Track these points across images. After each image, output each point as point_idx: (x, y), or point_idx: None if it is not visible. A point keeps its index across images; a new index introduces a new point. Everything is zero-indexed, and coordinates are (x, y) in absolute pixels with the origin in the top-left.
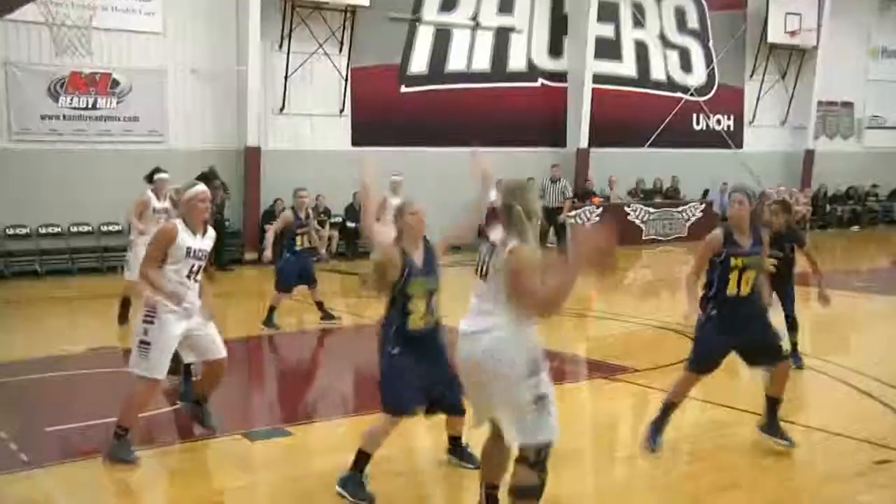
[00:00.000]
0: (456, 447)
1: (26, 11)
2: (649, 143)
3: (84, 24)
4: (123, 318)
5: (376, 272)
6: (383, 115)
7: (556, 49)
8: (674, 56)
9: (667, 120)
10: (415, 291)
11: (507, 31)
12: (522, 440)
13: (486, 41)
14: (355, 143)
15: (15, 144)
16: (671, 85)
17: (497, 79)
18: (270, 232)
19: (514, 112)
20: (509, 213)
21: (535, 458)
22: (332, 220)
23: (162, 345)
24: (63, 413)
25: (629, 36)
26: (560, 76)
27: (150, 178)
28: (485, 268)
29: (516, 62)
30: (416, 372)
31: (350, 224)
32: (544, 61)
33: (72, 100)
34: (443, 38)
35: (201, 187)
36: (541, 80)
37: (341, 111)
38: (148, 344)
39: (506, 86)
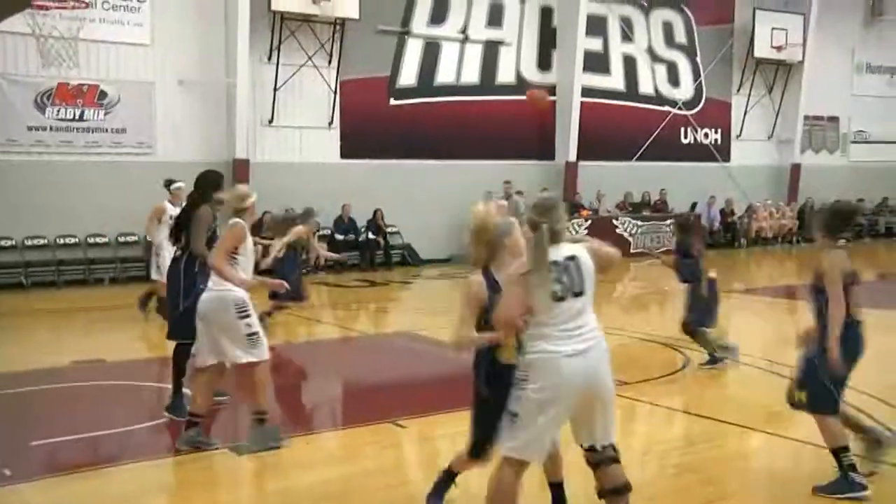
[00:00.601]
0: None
1: (13, 22)
2: (637, 156)
3: (71, 35)
4: (145, 305)
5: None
6: (372, 127)
7: (544, 62)
8: (662, 70)
9: (655, 133)
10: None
11: (496, 45)
12: (614, 438)
13: (475, 54)
14: (344, 155)
15: (1, 156)
16: (659, 99)
17: (486, 92)
18: (282, 242)
19: (503, 125)
20: (535, 230)
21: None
22: (321, 233)
23: (262, 329)
24: (49, 427)
25: (617, 50)
26: (549, 89)
27: (167, 186)
28: (578, 284)
29: (505, 75)
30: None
31: (338, 236)
32: (533, 74)
33: (59, 111)
34: (432, 51)
35: (255, 194)
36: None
37: (330, 123)
38: (256, 333)
39: (495, 99)
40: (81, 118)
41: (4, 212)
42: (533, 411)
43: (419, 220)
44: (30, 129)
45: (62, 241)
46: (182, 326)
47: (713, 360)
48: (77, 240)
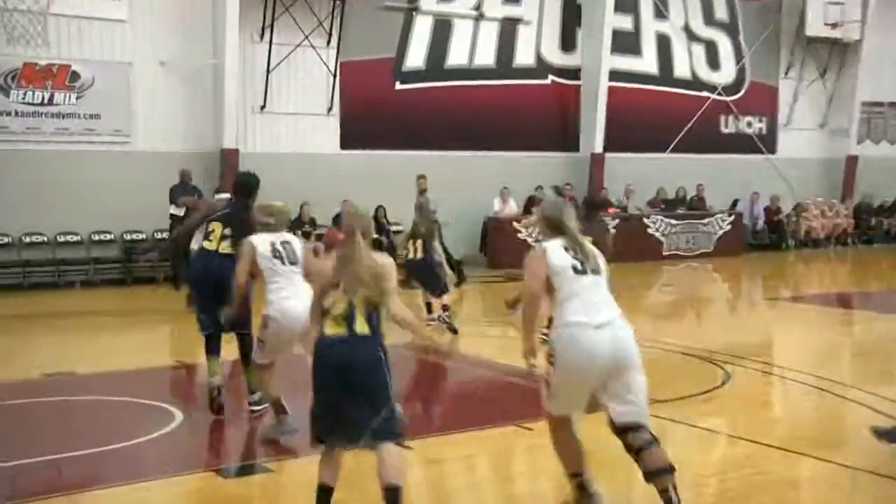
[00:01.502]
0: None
1: None
2: (671, 147)
3: (40, 9)
4: None
5: None
6: (375, 114)
7: (568, 43)
8: (700, 51)
9: (691, 122)
10: None
11: (514, 23)
12: (646, 418)
13: (490, 33)
14: (344, 145)
15: None
16: (697, 83)
17: (503, 75)
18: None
19: (522, 113)
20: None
21: None
22: (318, 232)
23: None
24: (14, 448)
25: (650, 28)
26: (573, 73)
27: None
28: (592, 264)
29: (524, 57)
30: None
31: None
32: (555, 56)
33: (25, 94)
34: (442, 29)
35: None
36: (551, 77)
37: (329, 110)
38: None
39: (512, 83)
40: (51, 102)
41: None
42: (564, 381)
43: None
44: None
45: (28, 240)
46: (249, 319)
47: None
48: (45, 238)
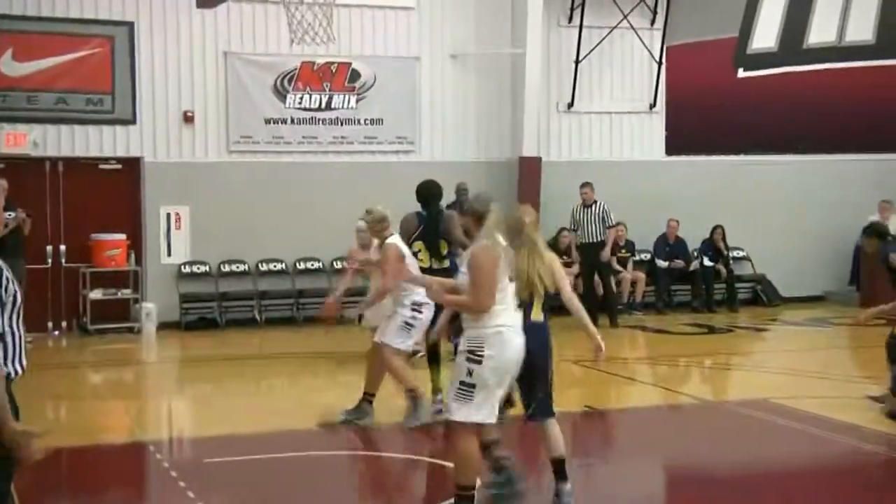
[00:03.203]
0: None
1: None
2: None
3: (327, 1)
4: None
5: None
6: (712, 110)
7: None
8: None
9: None
10: None
11: None
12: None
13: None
14: (671, 150)
15: (234, 156)
16: None
17: (885, 54)
18: None
19: None
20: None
21: None
22: (637, 259)
23: None
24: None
25: None
26: None
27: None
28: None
29: None
30: None
31: (661, 263)
32: None
33: (301, 98)
34: None
35: None
36: None
37: (652, 106)
38: None
39: None
40: (329, 106)
41: (233, 230)
42: (491, 381)
43: (777, 242)
44: (267, 122)
45: (302, 266)
46: None
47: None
48: (320, 265)
